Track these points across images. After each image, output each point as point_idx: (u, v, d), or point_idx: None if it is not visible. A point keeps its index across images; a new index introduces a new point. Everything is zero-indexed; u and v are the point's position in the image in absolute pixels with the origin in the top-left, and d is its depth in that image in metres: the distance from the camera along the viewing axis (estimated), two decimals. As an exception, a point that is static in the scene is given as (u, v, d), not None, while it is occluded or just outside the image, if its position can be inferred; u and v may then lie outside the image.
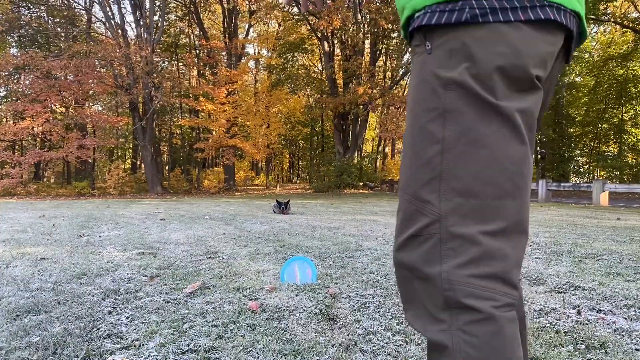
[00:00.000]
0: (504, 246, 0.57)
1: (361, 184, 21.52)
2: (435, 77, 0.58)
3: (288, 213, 6.95)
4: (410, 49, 0.68)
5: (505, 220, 0.57)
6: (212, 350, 1.34)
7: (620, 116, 21.02)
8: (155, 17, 18.83)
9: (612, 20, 17.91)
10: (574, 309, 1.77)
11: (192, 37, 26.57)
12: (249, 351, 1.33)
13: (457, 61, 0.57)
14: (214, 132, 20.64)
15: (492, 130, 0.56)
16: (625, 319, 1.65)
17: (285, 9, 23.14)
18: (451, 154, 0.57)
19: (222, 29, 24.17)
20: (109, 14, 18.13)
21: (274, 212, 7.17)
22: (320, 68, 27.62)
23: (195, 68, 24.62)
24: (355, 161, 22.40)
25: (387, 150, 35.27)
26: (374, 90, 19.83)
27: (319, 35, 20.73)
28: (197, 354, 1.30)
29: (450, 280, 0.55)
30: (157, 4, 19.23)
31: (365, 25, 20.05)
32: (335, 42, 21.46)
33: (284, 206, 6.96)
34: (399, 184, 0.65)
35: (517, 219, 0.59)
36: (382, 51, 23.64)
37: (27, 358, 1.28)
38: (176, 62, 25.90)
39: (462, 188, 0.56)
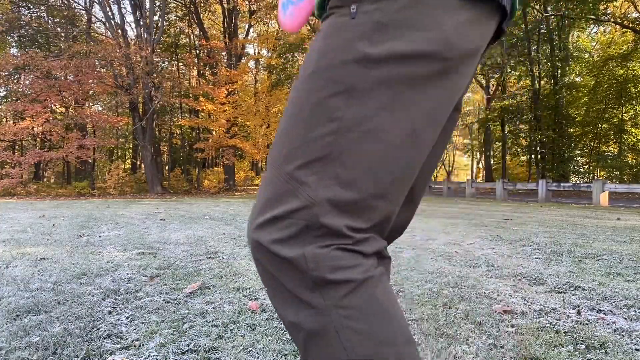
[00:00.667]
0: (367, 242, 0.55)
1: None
2: (352, 48, 0.50)
3: None
4: (323, 11, 0.59)
5: (371, 221, 0.53)
6: (212, 350, 1.34)
7: (620, 116, 21.02)
8: (155, 17, 18.83)
9: (612, 20, 17.91)
10: (574, 309, 1.77)
11: (192, 37, 26.57)
12: (249, 351, 1.33)
13: (383, 37, 0.49)
14: (214, 132, 20.65)
15: (395, 126, 0.50)
16: (625, 319, 1.65)
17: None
18: (345, 138, 0.50)
19: (222, 29, 24.18)
20: (109, 14, 18.13)
21: None
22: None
23: (195, 68, 24.62)
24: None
25: (387, 150, 35.27)
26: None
27: (319, 35, 20.71)
28: (197, 354, 1.30)
29: (315, 259, 0.51)
30: (157, 4, 19.23)
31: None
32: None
33: None
34: (272, 154, 0.55)
35: (382, 219, 0.55)
36: (382, 51, 23.66)
37: (27, 358, 1.28)
38: (176, 62, 25.90)
39: (346, 177, 0.50)
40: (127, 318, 1.64)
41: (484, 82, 28.04)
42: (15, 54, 18.78)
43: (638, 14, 17.60)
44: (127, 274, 2.39)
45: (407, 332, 0.54)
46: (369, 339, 0.51)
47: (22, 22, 18.97)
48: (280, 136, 0.55)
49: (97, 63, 17.53)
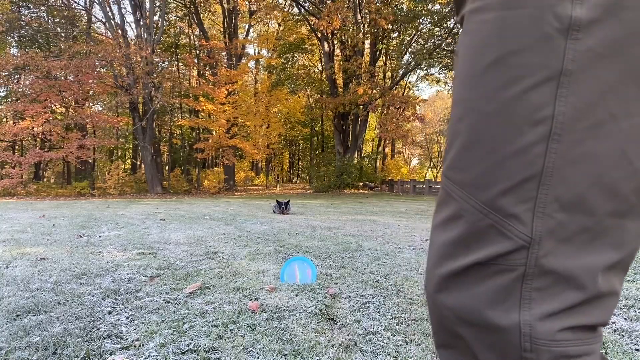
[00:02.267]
0: (615, 286, 0.39)
1: (361, 184, 21.53)
2: (552, 15, 0.35)
3: (288, 213, 6.96)
4: None
5: (622, 250, 0.38)
6: (212, 350, 1.34)
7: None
8: (155, 18, 18.84)
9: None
10: (573, 309, 1.77)
11: (192, 37, 26.58)
12: (249, 351, 1.33)
13: None
14: (214, 133, 20.65)
15: (630, 108, 0.35)
16: (625, 319, 1.65)
17: (285, 9, 23.16)
18: (562, 144, 0.36)
19: (222, 29, 24.19)
20: (109, 14, 18.14)
21: (274, 212, 7.18)
22: (320, 68, 27.64)
23: (195, 68, 24.61)
24: (355, 161, 22.41)
25: (387, 150, 35.29)
26: (374, 91, 19.84)
27: (319, 35, 20.75)
28: (197, 354, 1.31)
29: (534, 336, 0.36)
30: (157, 4, 19.23)
31: (365, 26, 20.07)
32: (335, 42, 21.48)
33: (284, 206, 6.97)
34: (457, 174, 0.41)
35: (634, 249, 0.39)
36: (382, 51, 23.66)
37: (27, 358, 1.28)
38: (176, 63, 25.91)
39: (571, 198, 0.36)
40: (127, 318, 1.64)
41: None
42: (15, 54, 18.79)
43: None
44: (127, 274, 2.39)
45: None
46: None
47: (22, 22, 18.98)
48: (463, 150, 0.40)
49: (97, 63, 17.54)
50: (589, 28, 0.35)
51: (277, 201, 7.18)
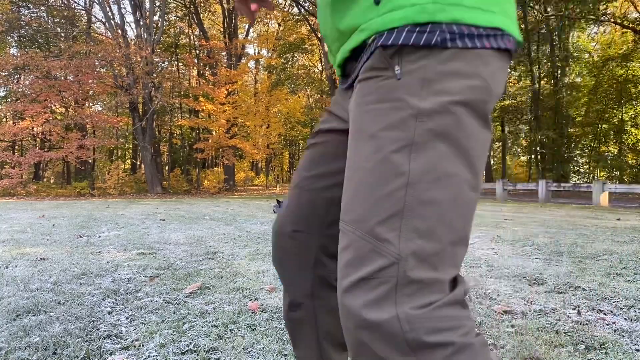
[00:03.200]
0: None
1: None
2: (406, 105, 0.53)
3: None
4: (359, 73, 0.62)
5: (455, 268, 0.54)
6: (212, 350, 1.34)
7: (620, 116, 21.03)
8: (155, 18, 18.84)
9: (612, 20, 17.92)
10: (574, 309, 1.77)
11: (192, 37, 26.58)
12: (249, 351, 1.33)
13: (430, 90, 0.53)
14: (213, 133, 20.65)
15: (457, 171, 0.53)
16: (625, 319, 1.65)
17: (285, 9, 23.16)
18: (415, 190, 0.51)
19: (222, 29, 24.19)
20: (109, 14, 18.13)
21: (274, 212, 7.18)
22: (320, 68, 27.64)
23: (195, 68, 24.61)
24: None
25: (387, 150, 35.24)
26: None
27: (319, 35, 20.74)
28: (197, 354, 1.30)
29: (410, 320, 0.49)
30: (157, 4, 19.23)
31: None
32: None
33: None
34: (347, 217, 0.56)
35: (459, 265, 0.56)
36: (382, 51, 23.65)
37: (27, 358, 1.28)
38: (176, 63, 25.91)
39: (424, 228, 0.51)
40: (127, 318, 1.64)
41: (483, 82, 28.04)
42: (15, 54, 18.79)
43: (638, 14, 17.60)
44: (127, 274, 2.39)
45: None
46: None
47: (22, 22, 18.97)
48: (351, 198, 0.56)
49: (97, 63, 17.54)
50: (430, 116, 0.52)
51: (278, 200, 7.15)
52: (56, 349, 1.34)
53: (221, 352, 1.32)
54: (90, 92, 19.31)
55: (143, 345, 1.38)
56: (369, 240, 0.52)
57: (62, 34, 20.32)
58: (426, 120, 0.52)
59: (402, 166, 0.52)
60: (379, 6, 0.56)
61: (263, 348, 1.35)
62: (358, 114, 0.58)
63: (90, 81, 16.96)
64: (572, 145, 21.40)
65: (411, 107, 0.53)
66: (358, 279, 0.52)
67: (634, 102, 20.38)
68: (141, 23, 18.05)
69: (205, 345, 1.37)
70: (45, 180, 26.32)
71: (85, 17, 21.35)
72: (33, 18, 19.62)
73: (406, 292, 0.50)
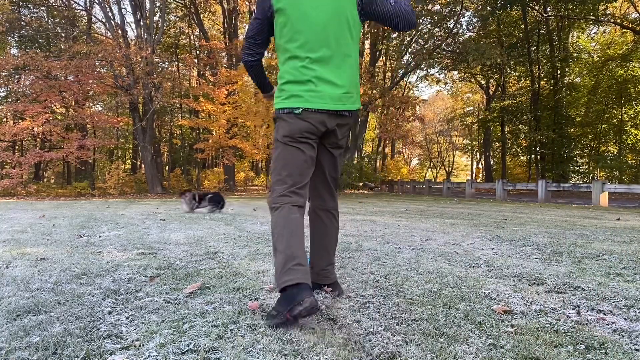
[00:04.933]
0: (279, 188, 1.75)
1: (361, 184, 21.54)
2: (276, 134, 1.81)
3: (214, 212, 5.99)
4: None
5: (285, 183, 1.73)
6: (212, 350, 1.34)
7: (619, 116, 21.04)
8: (156, 18, 18.85)
9: (612, 20, 17.92)
10: (573, 309, 1.78)
11: (192, 37, 26.59)
12: (249, 351, 1.33)
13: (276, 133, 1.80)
14: (214, 133, 20.66)
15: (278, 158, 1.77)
16: (625, 319, 1.65)
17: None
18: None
19: (222, 29, 24.20)
20: (109, 14, 18.14)
21: (190, 209, 6.17)
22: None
23: (195, 68, 24.62)
24: (355, 161, 22.42)
25: (386, 150, 35.29)
26: (374, 91, 19.84)
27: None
28: (197, 354, 1.31)
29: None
30: (158, 4, 19.24)
31: (365, 26, 20.07)
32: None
33: (208, 201, 5.85)
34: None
35: (291, 181, 1.73)
36: (382, 52, 23.66)
37: (27, 358, 1.28)
38: (176, 63, 25.91)
39: (275, 171, 1.76)
40: (127, 318, 1.64)
41: (483, 82, 28.03)
42: (16, 55, 18.78)
43: (638, 15, 17.60)
44: (127, 274, 2.40)
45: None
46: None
47: (22, 23, 18.98)
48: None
49: (97, 63, 17.54)
50: (276, 140, 1.89)
51: (194, 194, 6.05)
52: (56, 349, 1.34)
53: (221, 352, 1.33)
54: (91, 93, 19.33)
55: (143, 345, 1.38)
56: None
57: (63, 34, 20.33)
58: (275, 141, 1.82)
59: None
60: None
61: (263, 348, 1.35)
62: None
63: (90, 81, 16.97)
64: (572, 145, 21.40)
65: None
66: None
67: (633, 102, 20.39)
68: (141, 23, 18.06)
69: (205, 345, 1.37)
70: (45, 180, 26.33)
71: (86, 18, 21.36)
72: (33, 18, 19.63)
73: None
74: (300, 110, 1.67)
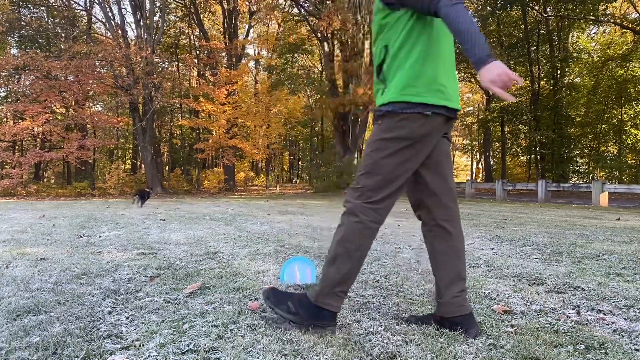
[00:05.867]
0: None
1: (361, 184, 21.49)
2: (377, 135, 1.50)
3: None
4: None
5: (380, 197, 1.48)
6: (212, 350, 1.34)
7: (619, 117, 21.03)
8: (156, 18, 18.84)
9: (612, 21, 17.91)
10: (573, 309, 1.78)
11: (192, 37, 26.59)
12: (249, 351, 1.33)
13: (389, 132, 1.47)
14: (214, 133, 20.65)
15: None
16: (624, 319, 1.65)
17: (285, 10, 23.14)
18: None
19: (222, 29, 24.19)
20: (109, 14, 18.13)
21: (134, 202, 7.42)
22: (320, 69, 27.64)
23: (195, 69, 24.61)
24: (355, 162, 22.39)
25: (387, 150, 35.18)
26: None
27: (319, 36, 20.75)
28: (197, 354, 1.31)
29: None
30: (158, 4, 19.24)
31: (365, 26, 20.06)
32: (335, 42, 21.48)
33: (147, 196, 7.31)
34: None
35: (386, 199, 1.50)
36: (382, 52, 23.61)
37: (27, 358, 1.28)
38: (176, 63, 25.90)
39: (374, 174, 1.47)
40: (127, 318, 1.64)
41: (483, 82, 27.97)
42: (16, 55, 18.77)
43: (637, 15, 17.60)
44: (127, 274, 2.40)
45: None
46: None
47: (22, 23, 18.97)
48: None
49: (97, 63, 17.54)
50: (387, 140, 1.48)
51: (140, 190, 7.81)
52: (56, 349, 1.34)
53: (221, 352, 1.33)
54: (91, 93, 19.31)
55: (143, 345, 1.38)
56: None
57: (63, 35, 20.32)
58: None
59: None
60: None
61: (263, 348, 1.35)
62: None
63: (90, 81, 16.96)
64: (572, 146, 21.38)
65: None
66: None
67: (633, 103, 20.37)
68: (141, 23, 18.05)
69: (205, 345, 1.37)
70: (45, 180, 26.32)
71: (86, 18, 21.35)
72: (33, 18, 19.62)
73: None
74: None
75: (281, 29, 25.60)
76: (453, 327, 1.48)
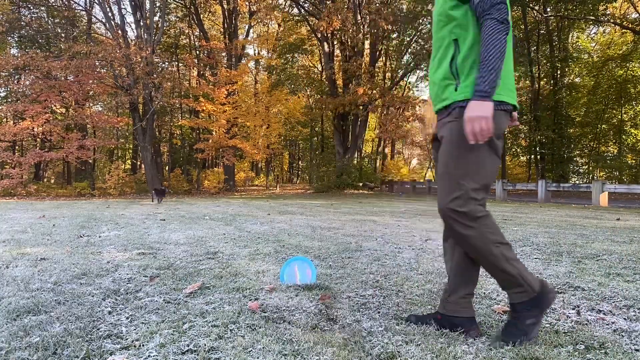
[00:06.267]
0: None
1: (361, 184, 21.52)
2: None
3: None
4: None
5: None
6: (212, 350, 1.34)
7: (619, 117, 21.02)
8: (156, 18, 18.85)
9: (612, 21, 17.90)
10: (573, 309, 1.78)
11: (192, 37, 26.59)
12: (249, 351, 1.33)
13: None
14: (214, 133, 20.66)
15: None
16: (624, 319, 1.65)
17: (285, 10, 23.14)
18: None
19: (222, 29, 24.19)
20: (109, 14, 18.14)
21: (153, 200, 8.04)
22: (320, 69, 27.63)
23: (195, 69, 24.62)
24: (355, 162, 22.42)
25: (386, 150, 35.27)
26: (374, 91, 19.84)
27: (319, 36, 20.75)
28: (197, 354, 1.31)
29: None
30: (157, 4, 19.24)
31: (365, 26, 20.07)
32: (335, 42, 21.48)
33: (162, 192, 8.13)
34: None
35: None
36: (382, 52, 23.65)
37: (27, 358, 1.28)
38: (176, 63, 25.91)
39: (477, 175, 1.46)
40: (127, 318, 1.64)
41: (483, 82, 27.97)
42: (16, 55, 18.78)
43: (638, 15, 17.60)
44: (127, 274, 2.40)
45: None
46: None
47: (22, 23, 18.97)
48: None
49: (97, 63, 17.54)
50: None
51: (157, 188, 8.66)
52: (56, 349, 1.34)
53: (221, 352, 1.33)
54: (91, 93, 19.32)
55: (143, 345, 1.38)
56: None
57: (63, 35, 20.33)
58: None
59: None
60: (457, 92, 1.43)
61: (263, 348, 1.35)
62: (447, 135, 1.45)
63: (90, 81, 16.97)
64: (572, 146, 21.38)
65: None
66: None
67: (633, 103, 20.38)
68: (141, 23, 18.06)
69: (205, 345, 1.37)
70: (45, 180, 26.32)
71: (86, 18, 21.35)
72: (33, 18, 19.63)
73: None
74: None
75: (281, 29, 25.61)
76: (453, 327, 1.49)
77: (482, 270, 2.52)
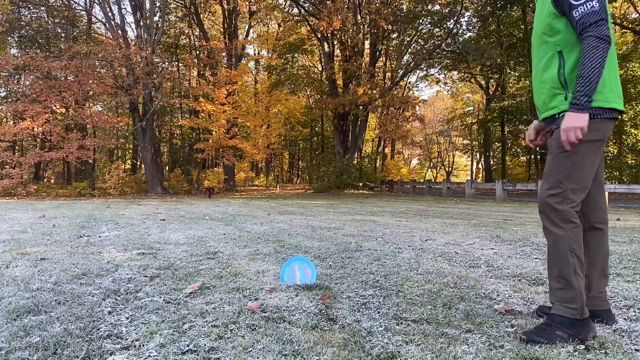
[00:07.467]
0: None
1: (361, 184, 21.52)
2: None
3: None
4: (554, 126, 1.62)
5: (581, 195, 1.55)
6: (212, 350, 1.34)
7: (619, 117, 21.01)
8: (156, 18, 18.84)
9: (612, 21, 17.88)
10: (573, 309, 1.77)
11: (192, 37, 26.60)
12: (249, 351, 1.33)
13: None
14: (214, 133, 20.66)
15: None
16: (624, 319, 1.65)
17: (285, 10, 23.15)
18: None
19: (222, 29, 24.20)
20: (109, 14, 18.14)
21: (209, 196, 8.89)
22: (320, 69, 27.63)
23: (195, 69, 24.63)
24: (355, 161, 22.40)
25: (386, 150, 35.27)
26: (374, 91, 19.83)
27: (319, 36, 20.75)
28: (197, 354, 1.31)
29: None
30: (157, 4, 19.24)
31: (365, 26, 20.07)
32: (335, 42, 21.47)
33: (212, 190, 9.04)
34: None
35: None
36: (382, 52, 23.65)
37: (27, 358, 1.28)
38: (176, 63, 25.91)
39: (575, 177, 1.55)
40: (127, 318, 1.64)
41: (483, 82, 28.03)
42: (16, 55, 18.78)
43: (638, 15, 17.60)
44: (127, 274, 2.40)
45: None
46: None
47: (22, 23, 18.98)
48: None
49: (97, 63, 17.54)
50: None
51: (209, 187, 9.51)
52: (56, 349, 1.34)
53: (221, 352, 1.33)
54: (91, 93, 19.33)
55: (143, 345, 1.38)
56: None
57: (63, 35, 20.34)
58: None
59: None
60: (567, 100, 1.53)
61: (263, 348, 1.35)
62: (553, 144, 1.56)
63: (90, 81, 16.96)
64: (572, 146, 21.36)
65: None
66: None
67: (633, 103, 20.38)
68: (141, 23, 18.06)
69: (205, 345, 1.37)
70: (45, 180, 26.32)
71: (86, 18, 21.36)
72: (33, 18, 19.64)
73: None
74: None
75: (281, 29, 25.61)
76: (594, 318, 1.59)
77: (482, 270, 2.52)
